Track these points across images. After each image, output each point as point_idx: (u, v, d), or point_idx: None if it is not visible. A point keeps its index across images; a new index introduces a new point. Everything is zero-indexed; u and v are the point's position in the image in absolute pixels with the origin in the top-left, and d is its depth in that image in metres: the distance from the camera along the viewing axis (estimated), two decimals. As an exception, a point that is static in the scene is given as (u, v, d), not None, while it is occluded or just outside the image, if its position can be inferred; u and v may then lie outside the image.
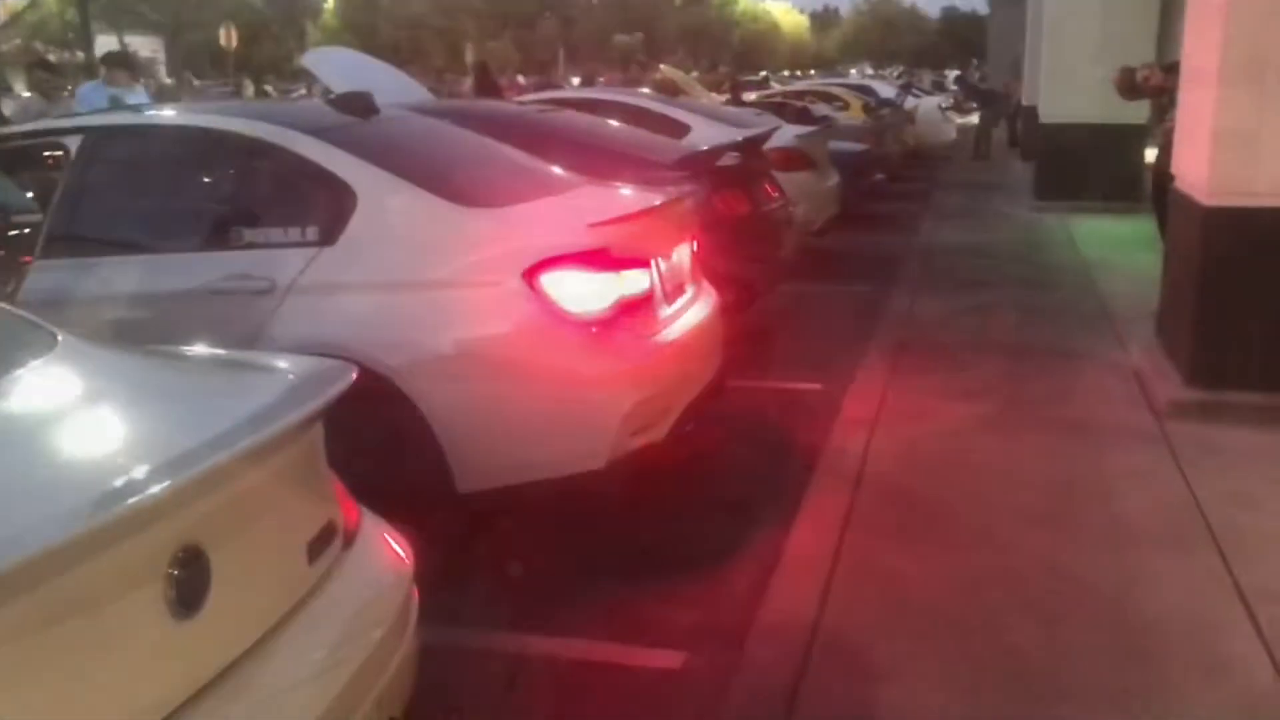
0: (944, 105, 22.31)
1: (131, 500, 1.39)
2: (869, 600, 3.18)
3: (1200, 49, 5.08)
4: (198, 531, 1.51)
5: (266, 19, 55.55)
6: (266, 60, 52.33)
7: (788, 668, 2.81)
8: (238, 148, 3.86)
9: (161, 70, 45.82)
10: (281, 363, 2.09)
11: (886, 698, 2.69)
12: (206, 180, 4.06)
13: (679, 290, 4.15)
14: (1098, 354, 5.81)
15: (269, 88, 39.02)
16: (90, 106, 8.54)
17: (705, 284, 4.51)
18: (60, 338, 2.03)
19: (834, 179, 9.36)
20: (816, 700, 2.68)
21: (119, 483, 1.44)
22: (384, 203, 3.67)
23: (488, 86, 13.00)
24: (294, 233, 3.65)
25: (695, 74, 28.08)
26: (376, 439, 3.18)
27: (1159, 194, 7.08)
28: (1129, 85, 8.04)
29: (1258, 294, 4.69)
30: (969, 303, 7.23)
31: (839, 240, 9.67)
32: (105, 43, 39.07)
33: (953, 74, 37.68)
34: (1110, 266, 8.24)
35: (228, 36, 25.66)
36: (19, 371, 1.86)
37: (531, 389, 3.51)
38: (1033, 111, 14.59)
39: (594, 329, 3.56)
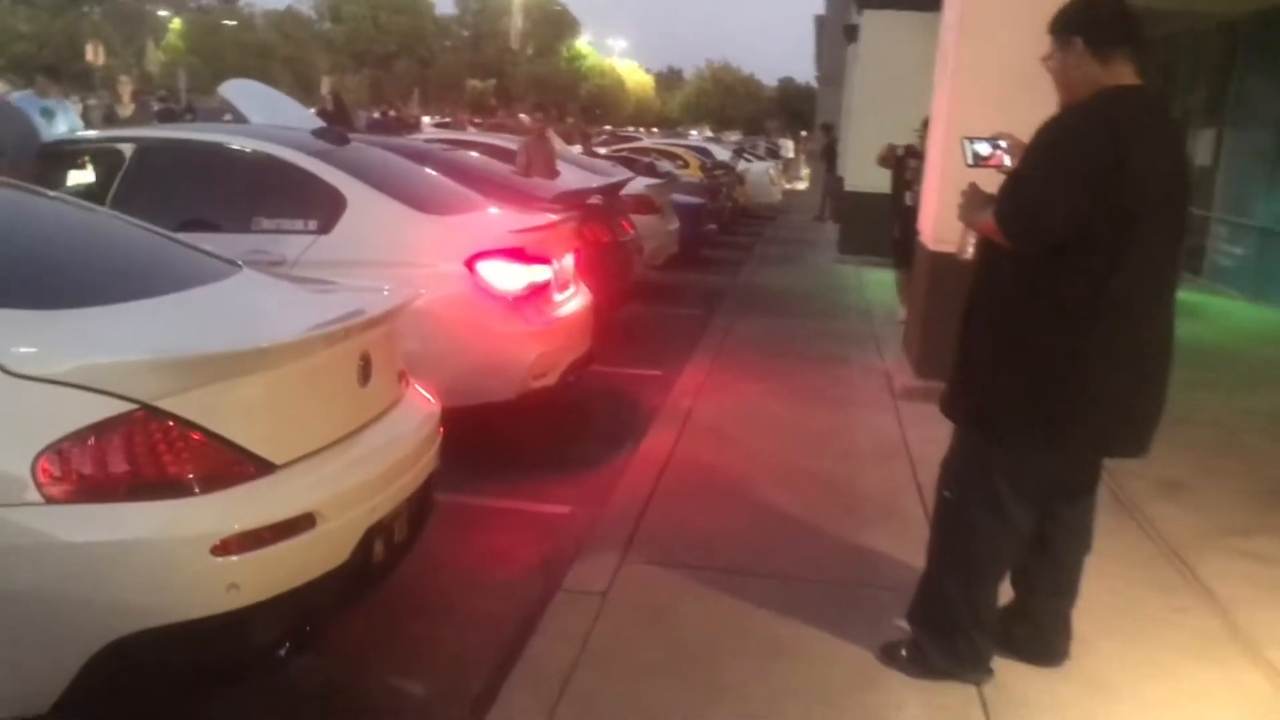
0: (772, 170, 24.57)
1: (345, 324, 2.99)
2: (688, 477, 4.94)
3: (935, 146, 7.19)
4: (368, 348, 3.11)
5: (107, 35, 54.47)
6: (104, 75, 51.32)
7: (635, 508, 4.52)
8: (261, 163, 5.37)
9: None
10: (386, 287, 3.63)
11: (695, 520, 4.43)
12: (237, 183, 5.50)
13: (566, 285, 5.86)
14: (863, 360, 7.83)
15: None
16: (22, 114, 9.58)
17: (582, 284, 6.23)
18: (241, 264, 3.56)
19: (675, 224, 11.30)
20: (653, 522, 4.39)
21: (338, 320, 3.02)
22: (367, 207, 5.24)
23: (342, 118, 14.44)
24: (299, 223, 5.19)
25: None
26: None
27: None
28: (884, 158, 10.49)
29: (958, 313, 6.72)
30: (773, 324, 9.21)
31: (675, 276, 11.61)
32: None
33: (787, 142, 40.41)
34: (885, 304, 10.41)
35: (94, 53, 26.04)
36: (240, 275, 3.40)
37: (467, 340, 5.13)
38: (842, 180, 17.02)
39: (511, 301, 5.23)
